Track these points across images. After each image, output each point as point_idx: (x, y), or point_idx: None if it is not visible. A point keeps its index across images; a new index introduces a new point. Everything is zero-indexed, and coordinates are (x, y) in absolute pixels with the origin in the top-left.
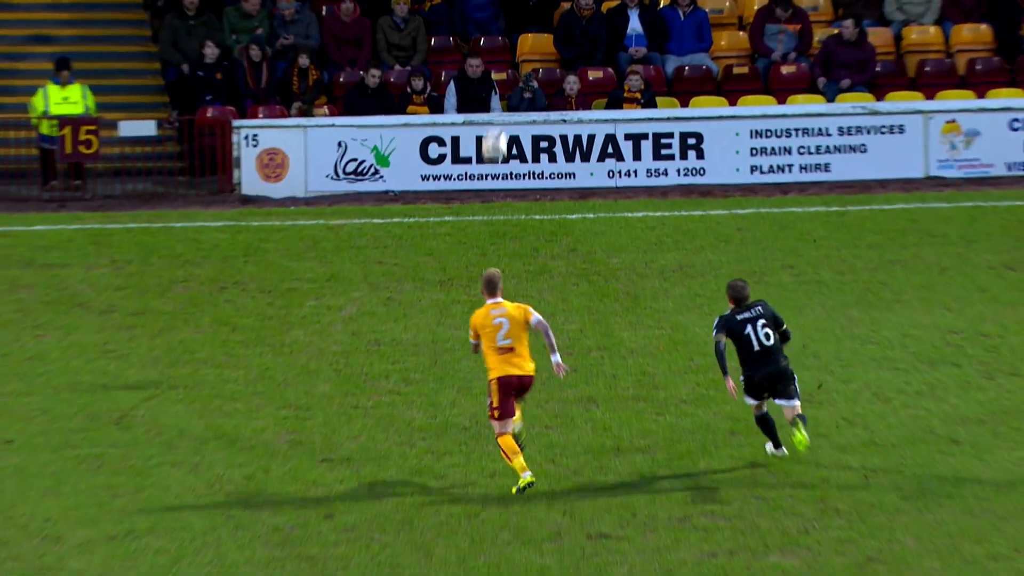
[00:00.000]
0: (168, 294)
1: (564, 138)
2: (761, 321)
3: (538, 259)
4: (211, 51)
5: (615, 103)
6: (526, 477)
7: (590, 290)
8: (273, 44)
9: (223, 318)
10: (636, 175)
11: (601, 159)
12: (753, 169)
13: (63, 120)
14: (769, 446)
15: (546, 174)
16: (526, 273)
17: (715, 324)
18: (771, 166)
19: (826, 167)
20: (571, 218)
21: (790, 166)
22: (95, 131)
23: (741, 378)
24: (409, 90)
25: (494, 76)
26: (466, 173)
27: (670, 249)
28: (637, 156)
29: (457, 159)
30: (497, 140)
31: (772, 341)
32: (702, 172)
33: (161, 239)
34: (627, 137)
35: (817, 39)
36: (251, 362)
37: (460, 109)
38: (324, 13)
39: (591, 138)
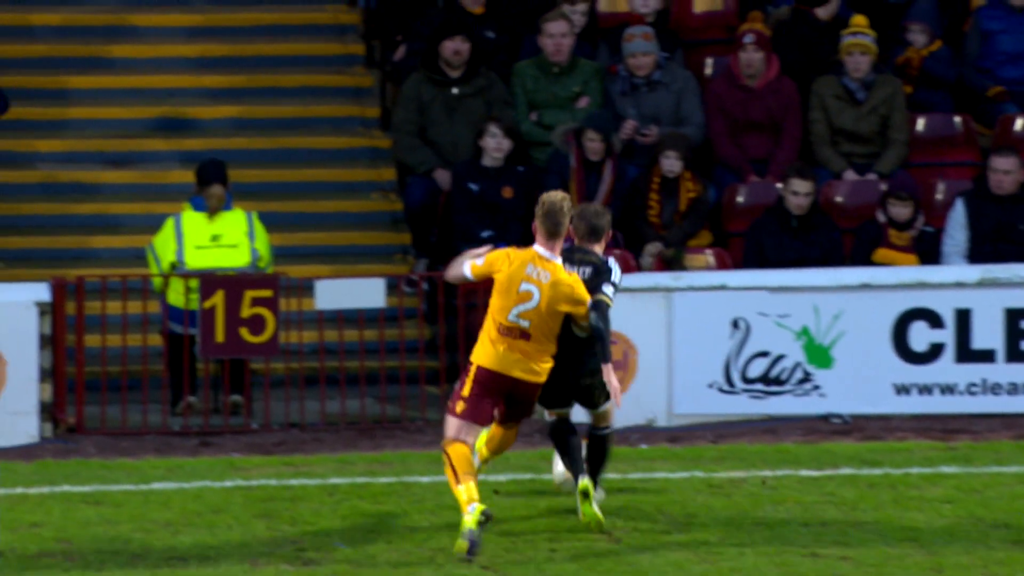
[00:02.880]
0: None
1: None
2: None
3: None
4: (495, 143)
5: None
6: (472, 512)
7: None
8: (613, 129)
9: None
10: None
11: None
12: None
13: (209, 280)
14: (558, 470)
15: None
16: None
17: None
18: None
19: None
20: None
21: None
22: (271, 300)
23: None
24: (882, 219)
25: None
26: (985, 381)
27: None
28: None
29: (966, 354)
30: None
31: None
32: None
33: (390, 503)
34: None
35: None
36: None
37: (974, 255)
38: (709, 71)
39: None
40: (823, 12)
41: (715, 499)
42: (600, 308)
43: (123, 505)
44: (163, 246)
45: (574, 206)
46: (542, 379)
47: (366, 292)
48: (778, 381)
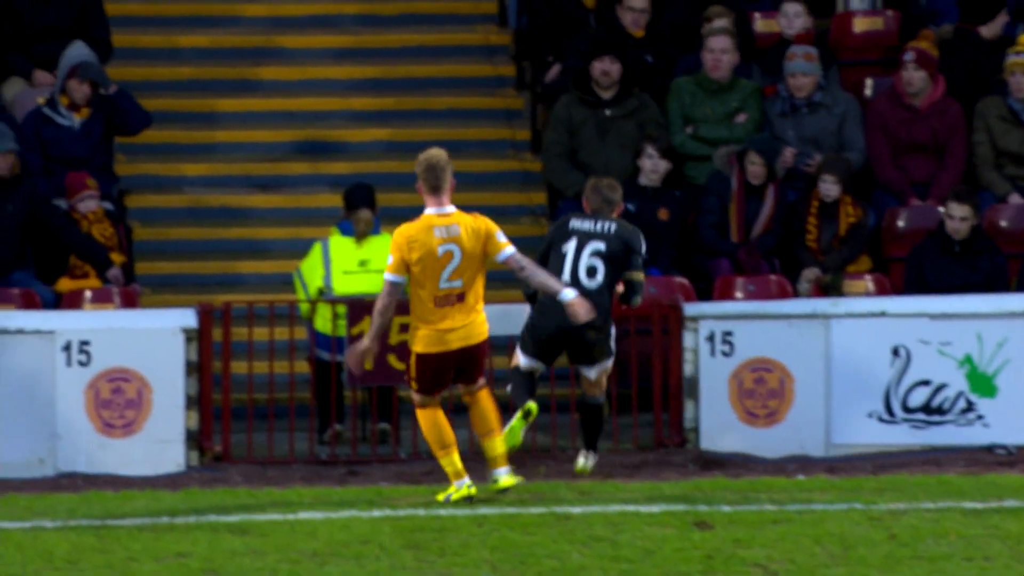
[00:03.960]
0: None
1: None
2: (596, 245)
3: None
4: (651, 164)
5: None
6: (462, 487)
7: None
8: (773, 150)
9: None
10: None
11: None
12: None
13: (357, 306)
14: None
15: None
16: None
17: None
18: None
19: None
20: None
21: None
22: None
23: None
24: None
25: None
26: None
27: None
28: None
29: None
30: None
31: (597, 281)
32: None
33: (541, 535)
34: None
35: None
36: None
37: None
38: (868, 92)
39: None
40: (987, 31)
41: (875, 532)
42: (637, 288)
43: (270, 535)
44: (310, 271)
45: (734, 229)
46: (484, 336)
47: (515, 318)
48: (940, 411)
